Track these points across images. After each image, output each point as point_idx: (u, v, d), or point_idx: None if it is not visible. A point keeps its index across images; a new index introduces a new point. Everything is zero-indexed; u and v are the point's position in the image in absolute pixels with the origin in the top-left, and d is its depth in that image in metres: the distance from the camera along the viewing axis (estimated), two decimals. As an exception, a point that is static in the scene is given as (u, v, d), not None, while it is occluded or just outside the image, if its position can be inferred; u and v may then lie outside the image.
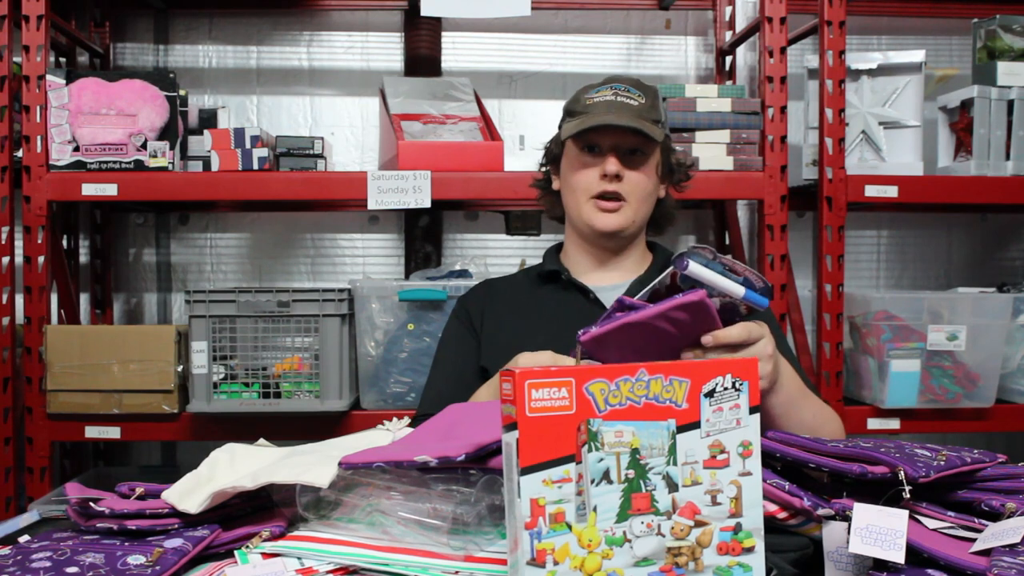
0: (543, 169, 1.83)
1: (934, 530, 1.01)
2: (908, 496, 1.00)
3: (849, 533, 0.95)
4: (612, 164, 1.64)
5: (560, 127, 1.75)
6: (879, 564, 0.94)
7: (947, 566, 0.94)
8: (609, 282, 1.73)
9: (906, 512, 0.96)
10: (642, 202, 1.68)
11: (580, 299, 1.72)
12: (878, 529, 0.94)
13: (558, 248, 1.83)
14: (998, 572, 0.89)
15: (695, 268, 1.21)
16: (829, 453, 1.08)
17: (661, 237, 1.86)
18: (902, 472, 1.00)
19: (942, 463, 1.04)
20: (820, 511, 1.01)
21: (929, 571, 0.94)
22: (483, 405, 1.28)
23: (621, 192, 1.65)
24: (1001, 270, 3.08)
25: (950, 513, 1.03)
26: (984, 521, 1.01)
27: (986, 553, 0.95)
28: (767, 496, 1.03)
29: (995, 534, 0.96)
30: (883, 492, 1.03)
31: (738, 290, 1.22)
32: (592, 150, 1.67)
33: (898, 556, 0.92)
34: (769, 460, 1.08)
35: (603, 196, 1.66)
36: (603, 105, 1.65)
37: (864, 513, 0.96)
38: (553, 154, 1.78)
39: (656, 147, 1.68)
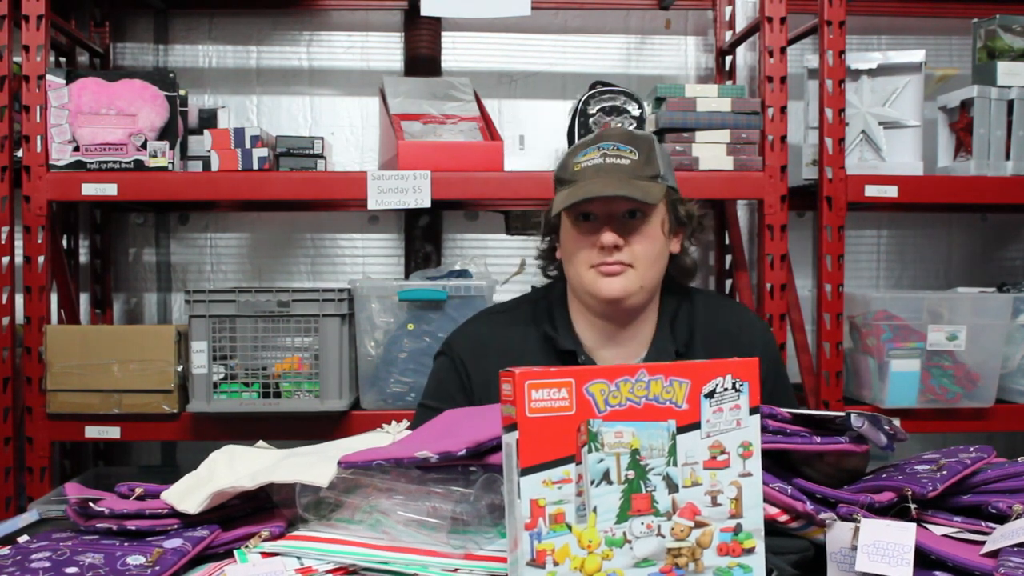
0: (546, 239, 1.70)
1: (943, 536, 1.01)
2: (914, 513, 1.01)
3: (855, 539, 0.94)
4: (608, 236, 1.51)
5: (555, 194, 1.61)
6: None
7: (955, 567, 0.93)
8: (622, 359, 1.61)
9: (913, 525, 0.96)
10: (649, 266, 1.55)
11: None
12: (885, 545, 0.94)
13: (563, 300, 1.67)
14: (1005, 572, 0.89)
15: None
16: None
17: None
18: (909, 492, 1.01)
19: (945, 474, 1.04)
20: (822, 515, 1.00)
21: (937, 573, 0.94)
22: (481, 408, 1.28)
23: (623, 260, 1.53)
24: (1001, 270, 3.08)
25: (957, 518, 1.03)
26: (991, 524, 1.01)
27: (995, 555, 0.95)
28: (769, 500, 1.03)
29: (1004, 535, 0.96)
30: (892, 506, 1.03)
31: (882, 440, 1.21)
32: (587, 218, 1.55)
33: (905, 572, 0.92)
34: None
35: (604, 263, 1.53)
36: (591, 170, 1.53)
37: (871, 529, 0.96)
38: (552, 224, 1.64)
39: (655, 206, 1.54)
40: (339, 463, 1.08)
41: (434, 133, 2.52)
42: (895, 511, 1.03)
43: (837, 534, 0.98)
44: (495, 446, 1.03)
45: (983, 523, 1.02)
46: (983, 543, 0.98)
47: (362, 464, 1.07)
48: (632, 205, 1.53)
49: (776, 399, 1.53)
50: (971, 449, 1.14)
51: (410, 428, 1.62)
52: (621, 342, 1.62)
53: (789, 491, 1.02)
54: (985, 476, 1.08)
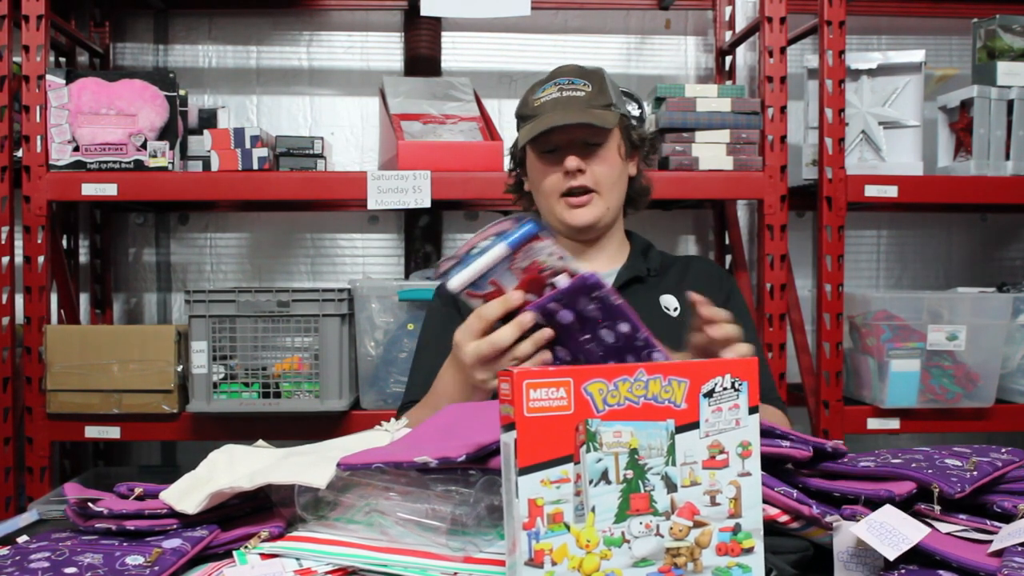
0: (513, 173, 1.85)
1: (947, 534, 1.00)
2: (936, 513, 1.00)
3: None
4: (572, 161, 1.65)
5: (518, 131, 1.77)
6: (889, 565, 0.94)
7: (959, 567, 0.93)
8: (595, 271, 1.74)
9: (927, 528, 0.95)
10: (611, 189, 1.69)
11: None
12: (891, 528, 0.94)
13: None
14: (1009, 572, 0.89)
15: (457, 281, 1.21)
16: (859, 474, 1.07)
17: (638, 216, 1.85)
18: (936, 489, 1.00)
19: (975, 474, 1.03)
20: (829, 518, 1.00)
21: (940, 572, 0.93)
22: (483, 405, 1.28)
23: (588, 185, 1.66)
24: (1001, 270, 3.08)
25: (962, 516, 1.02)
26: (996, 523, 1.00)
27: (1000, 554, 0.94)
28: (775, 504, 1.02)
29: (1010, 534, 0.96)
30: (910, 500, 1.02)
31: (503, 249, 1.21)
32: (551, 152, 1.68)
33: (890, 554, 0.92)
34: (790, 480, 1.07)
35: (571, 192, 1.67)
36: (550, 104, 1.67)
37: (887, 513, 0.96)
38: (518, 158, 1.81)
39: (611, 132, 1.69)
40: (338, 465, 1.08)
41: (434, 133, 2.52)
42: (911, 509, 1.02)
43: (844, 535, 0.98)
44: (496, 450, 1.03)
45: (988, 522, 1.01)
46: (986, 542, 0.98)
47: (361, 466, 1.07)
48: (591, 132, 1.66)
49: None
50: (1003, 450, 1.13)
51: (409, 372, 1.76)
52: (592, 257, 1.75)
53: (795, 495, 1.02)
54: (1009, 476, 1.07)
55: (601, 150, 1.67)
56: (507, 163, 1.89)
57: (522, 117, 1.74)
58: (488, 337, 1.28)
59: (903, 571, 0.93)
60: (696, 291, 1.74)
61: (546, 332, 1.25)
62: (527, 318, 1.24)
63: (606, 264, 1.75)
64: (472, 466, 1.03)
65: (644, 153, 1.80)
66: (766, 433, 1.06)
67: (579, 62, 1.78)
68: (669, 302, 1.73)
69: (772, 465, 1.06)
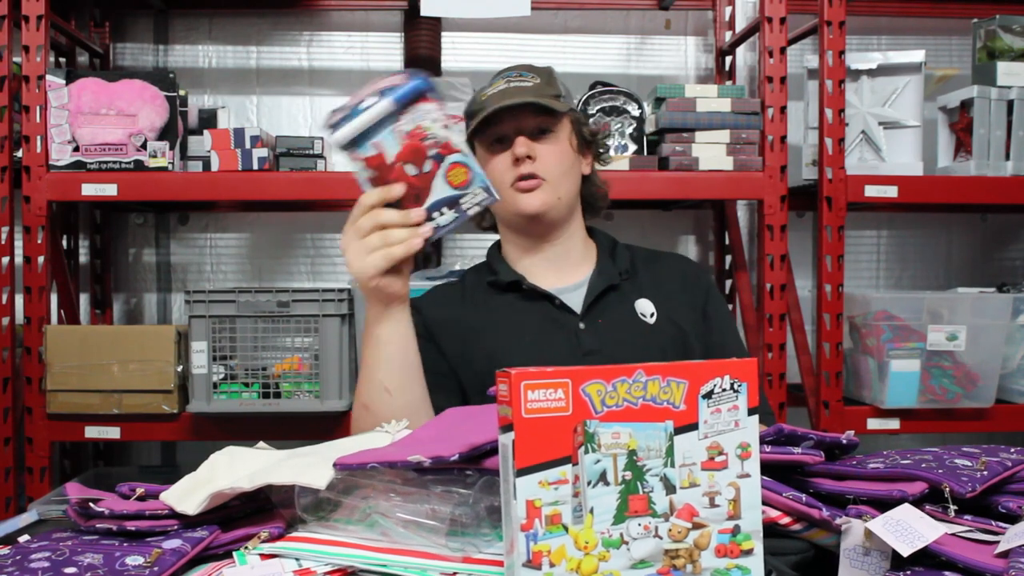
0: None
1: (952, 535, 1.00)
2: (954, 514, 1.00)
3: (868, 540, 0.94)
4: (520, 145, 1.59)
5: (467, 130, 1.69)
6: (896, 564, 0.94)
7: (965, 568, 0.93)
8: (564, 283, 1.66)
9: (942, 527, 0.95)
10: (562, 177, 1.62)
11: (547, 307, 1.64)
12: (908, 526, 0.93)
13: (498, 247, 1.76)
14: (1016, 574, 0.89)
15: (341, 135, 1.26)
16: (868, 475, 1.06)
17: (599, 221, 1.79)
18: (947, 488, 1.00)
19: (986, 474, 1.03)
20: (838, 520, 1.00)
21: (946, 573, 0.93)
22: (483, 408, 1.28)
23: (537, 172, 1.59)
24: (1001, 270, 3.08)
25: (967, 516, 1.02)
26: (1002, 524, 1.00)
27: (1007, 555, 0.94)
28: (783, 509, 1.02)
29: (1016, 535, 0.95)
30: (919, 501, 1.02)
31: (388, 105, 1.27)
32: (500, 142, 1.62)
33: (905, 550, 0.91)
34: (794, 483, 1.07)
35: (521, 179, 1.60)
36: (497, 96, 1.62)
37: (905, 511, 0.96)
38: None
39: (561, 120, 1.63)
40: (334, 465, 1.08)
41: (434, 133, 2.52)
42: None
43: (853, 534, 0.98)
44: (491, 450, 1.03)
45: (993, 522, 1.01)
46: (992, 543, 0.97)
47: (357, 467, 1.07)
48: (540, 120, 1.61)
49: (727, 340, 1.67)
50: (1012, 450, 1.13)
51: None
52: (553, 259, 1.68)
53: (804, 499, 1.01)
54: (1016, 477, 1.06)
55: (550, 137, 1.62)
56: None
57: (470, 114, 1.67)
58: (368, 214, 1.31)
59: (909, 572, 0.93)
60: (672, 293, 1.67)
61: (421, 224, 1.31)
62: (398, 189, 1.29)
63: (576, 274, 1.68)
64: (466, 466, 1.03)
65: (596, 152, 1.73)
66: (786, 439, 1.06)
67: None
68: (645, 308, 1.64)
69: (782, 468, 1.06)
